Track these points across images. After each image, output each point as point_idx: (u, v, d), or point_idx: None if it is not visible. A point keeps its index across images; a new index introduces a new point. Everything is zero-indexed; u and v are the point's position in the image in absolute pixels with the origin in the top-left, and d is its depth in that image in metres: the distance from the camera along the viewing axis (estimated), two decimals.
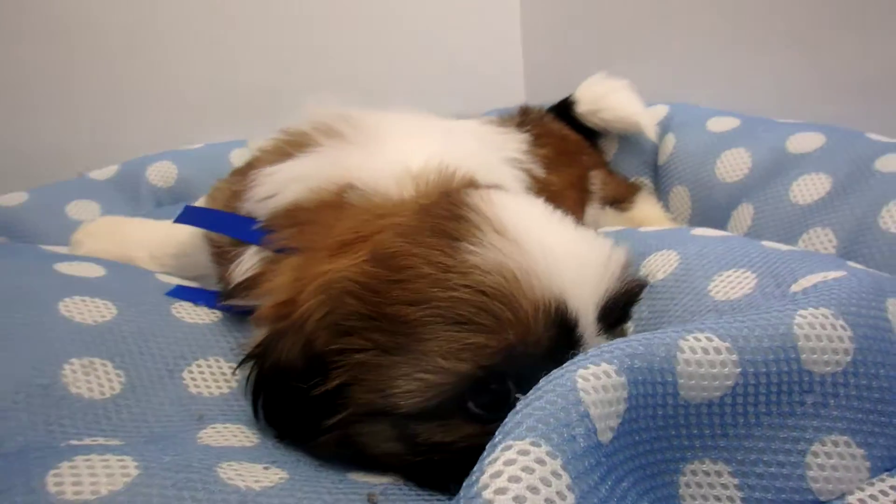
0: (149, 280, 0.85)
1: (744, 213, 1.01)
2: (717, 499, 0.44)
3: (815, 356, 0.45)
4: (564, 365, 0.39)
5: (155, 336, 0.68)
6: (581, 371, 0.38)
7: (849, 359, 0.46)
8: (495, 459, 0.31)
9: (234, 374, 0.66)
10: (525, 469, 0.30)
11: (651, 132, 1.22)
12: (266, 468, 0.49)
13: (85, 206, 1.21)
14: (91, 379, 0.59)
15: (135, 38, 1.49)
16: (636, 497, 0.39)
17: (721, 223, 1.05)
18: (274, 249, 0.62)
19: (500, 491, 0.29)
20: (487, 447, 0.34)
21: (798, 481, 0.44)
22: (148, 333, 0.68)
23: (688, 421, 0.43)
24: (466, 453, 0.41)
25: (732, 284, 0.69)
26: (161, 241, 0.90)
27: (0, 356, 0.56)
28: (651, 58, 1.43)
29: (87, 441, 0.52)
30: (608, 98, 1.24)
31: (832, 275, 0.60)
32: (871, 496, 0.45)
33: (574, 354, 0.42)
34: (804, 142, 0.99)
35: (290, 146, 0.71)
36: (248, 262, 0.64)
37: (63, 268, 0.74)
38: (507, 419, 0.35)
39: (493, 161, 0.76)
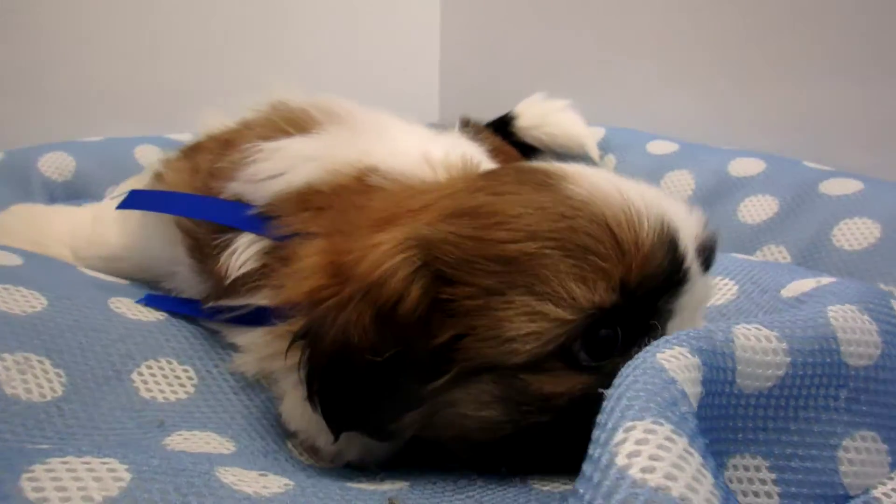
0: (75, 273, 0.74)
1: None
2: (756, 494, 0.42)
3: (852, 348, 0.45)
4: (643, 351, 0.37)
5: (96, 332, 0.59)
6: (660, 354, 0.36)
7: (878, 352, 0.46)
8: (623, 440, 0.28)
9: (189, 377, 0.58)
10: (661, 447, 0.27)
11: (594, 152, 1.24)
12: (263, 475, 0.43)
13: None
14: (28, 378, 0.50)
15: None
16: None
17: None
18: (277, 237, 0.55)
19: (648, 469, 0.26)
20: (596, 430, 0.30)
21: (831, 476, 0.44)
22: (87, 328, 0.59)
23: (737, 412, 0.42)
24: (568, 413, 0.42)
25: (715, 292, 0.69)
26: (88, 238, 0.78)
27: None
28: (586, 85, 1.46)
29: (45, 445, 0.43)
30: (553, 115, 1.25)
31: (824, 280, 0.61)
32: (894, 490, 0.45)
33: (682, 291, 0.45)
34: (746, 166, 1.03)
35: (288, 123, 0.63)
36: (245, 253, 0.56)
37: None
38: (608, 403, 0.32)
39: (490, 163, 0.73)
